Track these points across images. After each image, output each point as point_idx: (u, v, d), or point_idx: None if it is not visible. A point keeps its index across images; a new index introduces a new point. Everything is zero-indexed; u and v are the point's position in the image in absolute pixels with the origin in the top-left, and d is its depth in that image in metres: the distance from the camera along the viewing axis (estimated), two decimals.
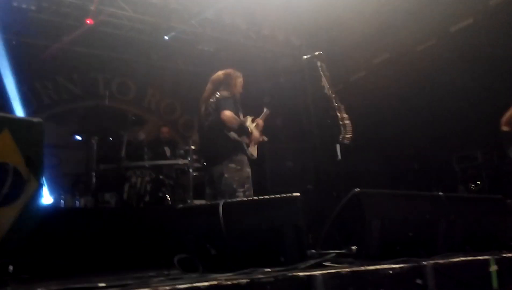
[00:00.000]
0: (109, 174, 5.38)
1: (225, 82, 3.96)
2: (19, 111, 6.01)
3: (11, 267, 3.91)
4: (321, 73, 3.88)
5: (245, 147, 3.89)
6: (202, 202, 5.18)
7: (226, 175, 3.69)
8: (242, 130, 3.87)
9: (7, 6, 5.95)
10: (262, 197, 2.62)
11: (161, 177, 5.39)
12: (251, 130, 3.99)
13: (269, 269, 2.07)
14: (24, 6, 6.04)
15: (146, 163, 5.34)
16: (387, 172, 5.66)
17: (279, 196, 2.73)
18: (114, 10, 6.57)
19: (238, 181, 3.69)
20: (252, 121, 4.11)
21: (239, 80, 4.05)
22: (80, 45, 6.75)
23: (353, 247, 2.28)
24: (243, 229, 2.54)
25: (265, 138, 4.19)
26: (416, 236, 2.51)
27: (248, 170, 3.81)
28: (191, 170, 5.34)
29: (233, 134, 3.80)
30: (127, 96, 7.40)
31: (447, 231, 2.63)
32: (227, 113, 3.68)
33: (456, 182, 5.84)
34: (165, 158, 5.58)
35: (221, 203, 2.61)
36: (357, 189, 2.47)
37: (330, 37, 7.79)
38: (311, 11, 6.81)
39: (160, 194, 5.25)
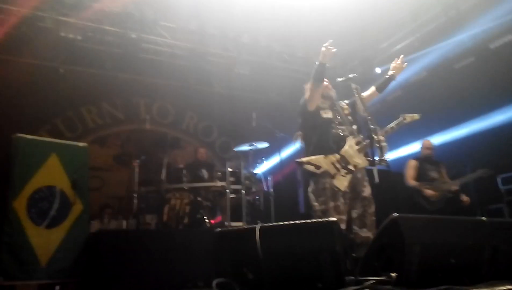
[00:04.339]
0: (150, 196, 5.53)
1: None
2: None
3: (57, 287, 4.08)
4: (356, 95, 3.87)
5: None
6: (240, 224, 5.24)
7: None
8: None
9: (55, 36, 6.32)
10: (298, 222, 2.62)
11: (199, 199, 5.47)
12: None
13: None
14: (70, 36, 6.39)
15: (185, 185, 5.45)
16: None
17: (316, 220, 2.74)
18: (154, 38, 6.85)
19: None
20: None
21: None
22: (123, 71, 7.06)
23: (393, 274, 2.24)
24: (280, 254, 2.55)
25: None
26: (458, 263, 2.43)
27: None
28: (228, 192, 5.42)
29: None
30: (167, 119, 7.62)
31: (491, 257, 2.54)
32: None
33: (501, 204, 5.62)
34: (203, 180, 5.67)
35: (258, 227, 2.64)
36: (396, 214, 2.44)
37: (364, 57, 7.79)
38: (345, 33, 6.84)
39: (198, 216, 5.33)
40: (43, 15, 6.11)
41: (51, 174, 4.38)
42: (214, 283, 2.58)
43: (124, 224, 5.42)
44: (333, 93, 4.01)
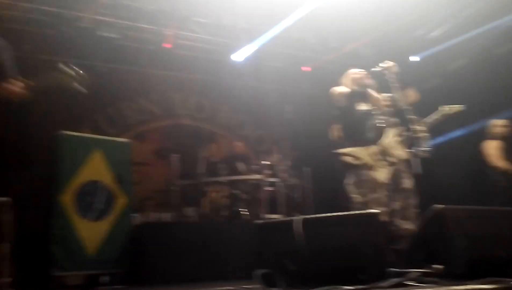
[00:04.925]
0: (189, 190, 5.67)
1: None
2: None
3: (106, 278, 4.27)
4: (393, 85, 3.81)
5: None
6: (277, 217, 5.29)
7: None
8: None
9: (94, 36, 6.51)
10: (341, 213, 2.63)
11: (236, 192, 5.56)
12: None
13: (349, 288, 2.09)
14: (107, 34, 6.57)
15: (222, 179, 5.55)
16: (473, 188, 5.31)
17: (358, 212, 2.74)
18: (187, 34, 6.95)
19: None
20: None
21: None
22: (158, 68, 7.20)
23: (438, 266, 2.23)
24: (322, 245, 2.58)
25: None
26: (506, 255, 2.39)
27: None
28: (264, 184, 5.49)
29: None
30: (202, 113, 7.72)
31: None
32: None
33: None
34: (240, 173, 5.75)
35: (300, 218, 2.67)
36: (440, 205, 2.42)
37: (400, 46, 7.61)
38: (378, 21, 6.71)
39: (236, 209, 5.42)
40: (81, 15, 6.30)
41: (95, 169, 4.56)
42: (257, 273, 2.63)
43: (165, 216, 5.59)
44: (370, 82, 3.94)
